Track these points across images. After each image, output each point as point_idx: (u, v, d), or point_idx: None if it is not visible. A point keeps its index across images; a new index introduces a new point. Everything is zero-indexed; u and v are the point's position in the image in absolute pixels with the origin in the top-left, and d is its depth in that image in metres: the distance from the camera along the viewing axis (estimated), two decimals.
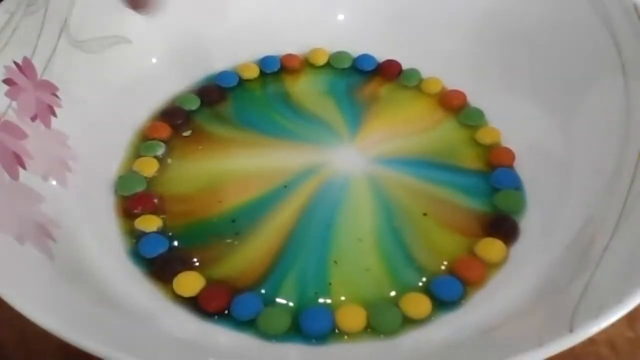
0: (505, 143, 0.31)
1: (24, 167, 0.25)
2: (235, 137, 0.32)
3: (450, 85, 0.34)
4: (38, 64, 0.28)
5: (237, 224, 0.28)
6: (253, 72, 0.35)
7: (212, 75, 0.35)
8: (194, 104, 0.33)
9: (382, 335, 0.24)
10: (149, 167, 0.30)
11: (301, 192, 0.29)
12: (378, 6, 0.37)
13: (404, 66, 0.35)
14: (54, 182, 0.27)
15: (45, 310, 0.19)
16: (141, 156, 0.30)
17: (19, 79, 0.27)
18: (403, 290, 0.25)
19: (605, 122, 0.28)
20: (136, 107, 0.32)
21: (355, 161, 0.31)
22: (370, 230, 0.27)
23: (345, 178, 0.30)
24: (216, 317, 0.24)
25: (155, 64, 0.34)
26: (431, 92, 0.34)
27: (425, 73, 0.35)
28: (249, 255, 0.27)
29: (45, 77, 0.28)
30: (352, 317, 0.24)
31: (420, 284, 0.26)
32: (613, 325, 0.19)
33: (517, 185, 0.29)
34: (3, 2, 0.28)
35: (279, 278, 0.26)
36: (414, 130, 0.32)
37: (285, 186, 0.29)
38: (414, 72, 0.35)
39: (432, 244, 0.27)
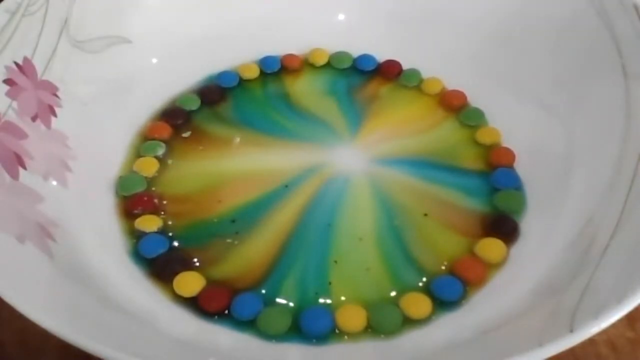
0: (505, 143, 0.31)
1: (24, 167, 0.25)
2: (235, 137, 0.32)
3: (451, 85, 0.34)
4: (38, 64, 0.28)
5: (237, 224, 0.28)
6: (253, 72, 0.35)
7: (212, 75, 0.35)
8: (194, 104, 0.33)
9: (382, 335, 0.24)
10: (149, 167, 0.30)
11: (301, 192, 0.29)
12: (378, 6, 0.36)
13: (404, 66, 0.35)
14: (54, 182, 0.27)
15: (45, 310, 0.19)
16: (141, 156, 0.30)
17: (19, 79, 0.27)
18: (403, 290, 0.25)
19: (605, 122, 0.28)
20: (136, 107, 0.32)
21: (355, 161, 0.31)
22: (370, 230, 0.27)
23: (346, 178, 0.30)
24: (216, 317, 0.24)
25: (155, 64, 0.34)
26: (431, 92, 0.34)
27: (425, 73, 0.35)
28: (249, 255, 0.27)
29: (45, 77, 0.28)
30: (352, 317, 0.24)
31: (421, 284, 0.26)
32: (613, 325, 0.19)
33: (517, 185, 0.29)
34: (3, 2, 0.28)
35: (279, 278, 0.26)
36: (414, 130, 0.32)
37: (286, 186, 0.29)
38: (414, 72, 0.35)
39: (432, 244, 0.27)
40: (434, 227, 0.28)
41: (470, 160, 0.31)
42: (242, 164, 0.31)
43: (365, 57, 0.36)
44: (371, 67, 0.36)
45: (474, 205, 0.29)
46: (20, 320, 0.19)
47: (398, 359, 0.24)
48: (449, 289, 0.25)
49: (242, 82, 0.35)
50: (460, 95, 0.34)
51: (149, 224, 0.27)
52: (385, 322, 0.24)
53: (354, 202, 0.29)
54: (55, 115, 0.28)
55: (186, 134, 0.32)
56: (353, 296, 0.25)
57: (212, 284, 0.25)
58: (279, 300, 0.25)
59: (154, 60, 0.34)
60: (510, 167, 0.30)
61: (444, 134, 0.32)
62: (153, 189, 0.29)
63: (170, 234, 0.27)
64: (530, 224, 0.27)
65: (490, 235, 0.27)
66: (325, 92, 0.35)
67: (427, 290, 0.25)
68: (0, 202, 0.23)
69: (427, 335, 0.24)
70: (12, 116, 0.26)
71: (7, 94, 0.26)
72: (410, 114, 0.33)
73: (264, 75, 0.35)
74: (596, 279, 0.21)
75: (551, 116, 0.31)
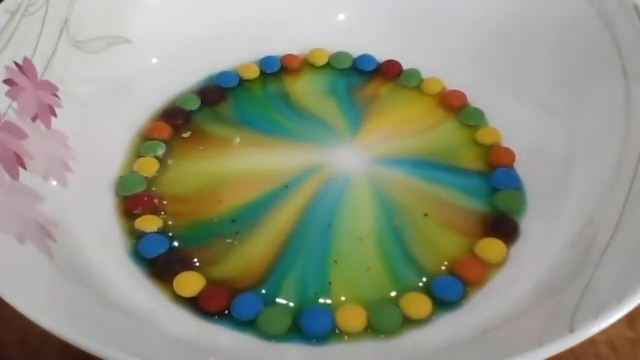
0: (505, 143, 0.31)
1: (24, 167, 0.25)
2: (235, 137, 0.32)
3: (450, 85, 0.34)
4: (38, 64, 0.28)
5: (237, 224, 0.28)
6: (253, 72, 0.35)
7: (212, 75, 0.35)
8: (194, 104, 0.33)
9: (382, 335, 0.24)
10: (149, 167, 0.30)
11: (301, 192, 0.29)
12: (378, 6, 0.36)
13: (404, 66, 0.35)
14: (54, 182, 0.27)
15: (45, 310, 0.19)
16: (141, 156, 0.30)
17: (19, 79, 0.27)
18: (403, 290, 0.25)
19: (605, 122, 0.28)
20: (136, 107, 0.32)
21: (355, 161, 0.31)
22: (370, 230, 0.27)
23: (346, 178, 0.30)
24: (216, 317, 0.24)
25: (155, 64, 0.34)
26: (431, 92, 0.34)
27: (425, 73, 0.35)
28: (249, 255, 0.27)
29: (45, 77, 0.28)
30: (352, 317, 0.24)
31: (421, 284, 0.26)
32: (613, 325, 0.19)
33: (517, 185, 0.29)
34: (3, 2, 0.28)
35: (279, 278, 0.26)
36: (414, 130, 0.32)
37: (286, 186, 0.29)
38: (414, 72, 0.35)
39: (432, 244, 0.27)
40: (434, 227, 0.28)
41: (470, 160, 0.31)
42: (242, 164, 0.31)
43: (365, 57, 0.36)
44: (371, 67, 0.36)
45: (474, 205, 0.29)
46: (20, 320, 0.19)
47: (398, 359, 0.24)
48: (449, 289, 0.25)
49: (242, 82, 0.35)
50: (460, 95, 0.34)
51: (149, 224, 0.27)
52: (385, 322, 0.24)
53: (354, 202, 0.29)
54: (55, 115, 0.28)
55: (186, 134, 0.32)
56: (353, 296, 0.25)
57: (212, 284, 0.25)
58: (279, 300, 0.25)
59: (154, 60, 0.34)
60: (510, 167, 0.30)
61: (444, 134, 0.32)
62: (153, 189, 0.29)
63: (170, 234, 0.27)
64: (530, 224, 0.27)
65: (490, 235, 0.27)
66: (325, 92, 0.35)
67: (427, 290, 0.25)
68: (0, 202, 0.23)
69: (427, 335, 0.24)
70: (12, 116, 0.26)
71: (7, 94, 0.26)
72: (410, 114, 0.33)
73: (264, 75, 0.35)
74: (596, 279, 0.21)
75: (551, 116, 0.31)
